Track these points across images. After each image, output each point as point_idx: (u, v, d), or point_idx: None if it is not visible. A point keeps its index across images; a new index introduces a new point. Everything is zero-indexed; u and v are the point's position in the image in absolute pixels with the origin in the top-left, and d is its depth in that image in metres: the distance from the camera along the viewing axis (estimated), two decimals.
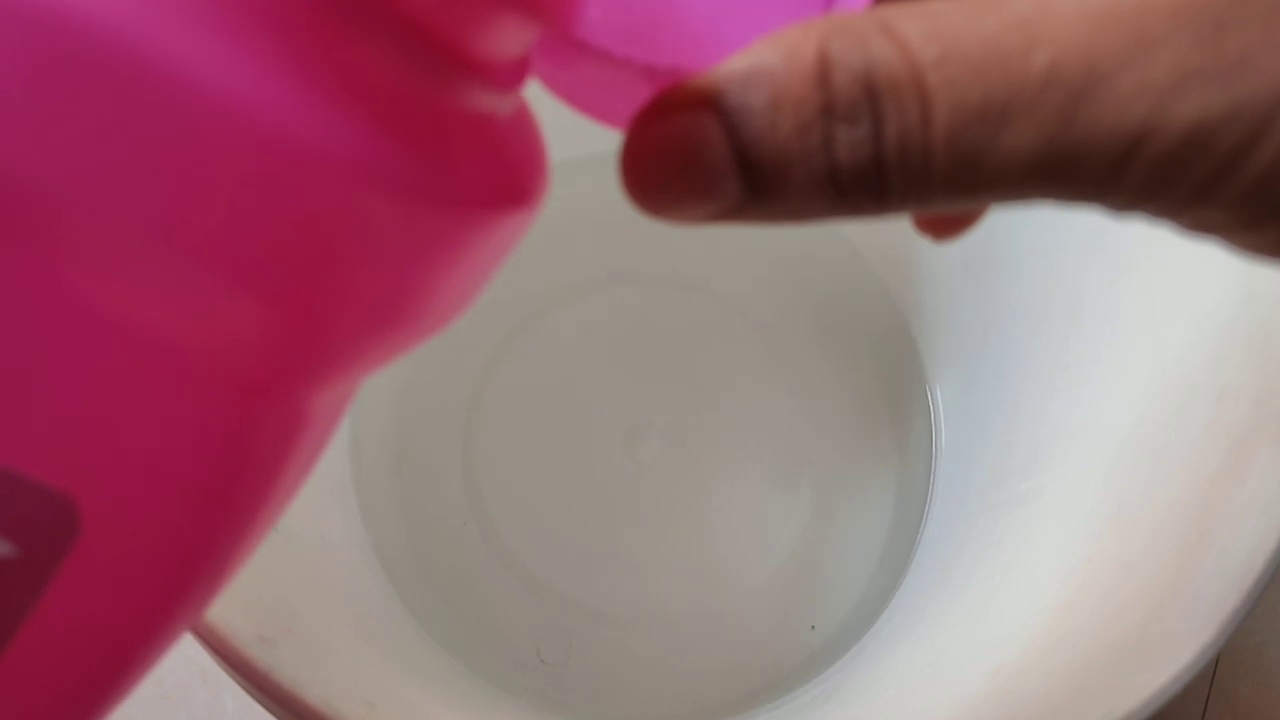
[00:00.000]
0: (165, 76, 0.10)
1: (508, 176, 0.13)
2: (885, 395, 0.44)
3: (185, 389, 0.12)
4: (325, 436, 0.14)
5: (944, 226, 0.19)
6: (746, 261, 0.46)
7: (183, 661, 0.41)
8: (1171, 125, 0.12)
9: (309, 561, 0.32)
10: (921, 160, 0.13)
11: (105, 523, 0.12)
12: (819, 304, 0.45)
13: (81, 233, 0.10)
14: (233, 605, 0.24)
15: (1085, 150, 0.12)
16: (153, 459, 0.12)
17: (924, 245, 0.44)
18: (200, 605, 0.14)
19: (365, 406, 0.42)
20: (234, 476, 0.13)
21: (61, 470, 0.11)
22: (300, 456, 0.13)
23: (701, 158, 0.13)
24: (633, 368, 0.44)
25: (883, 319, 0.45)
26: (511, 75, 0.14)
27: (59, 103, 0.10)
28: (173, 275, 0.11)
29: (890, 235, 0.45)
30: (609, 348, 0.44)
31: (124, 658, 0.13)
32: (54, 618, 0.12)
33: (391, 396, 0.42)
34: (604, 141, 0.49)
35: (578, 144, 0.46)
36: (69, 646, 0.13)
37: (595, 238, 0.45)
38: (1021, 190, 0.13)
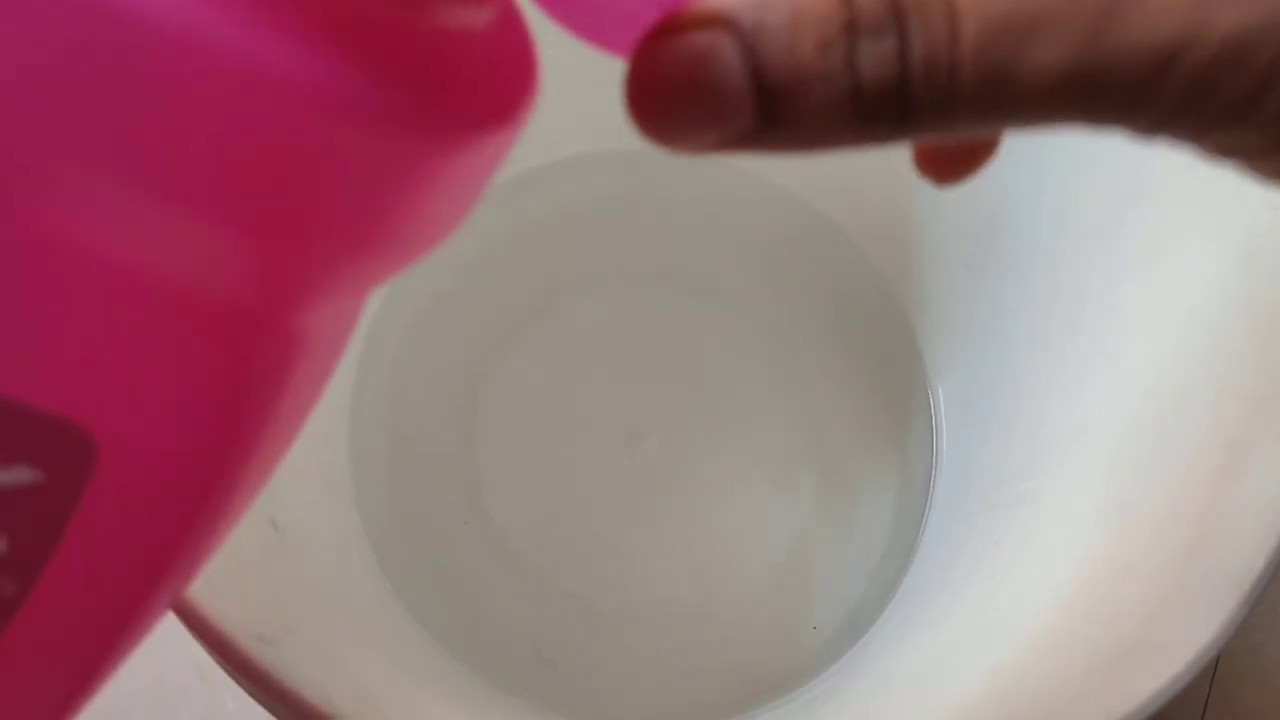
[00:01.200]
0: (119, 10, 0.10)
1: (487, 93, 0.13)
2: (886, 395, 0.44)
3: (175, 318, 0.12)
4: (330, 358, 0.15)
5: (949, 166, 0.17)
6: (746, 261, 0.46)
7: (181, 660, 0.41)
8: (1208, 37, 0.12)
9: (308, 561, 0.32)
10: (948, 78, 0.12)
11: (119, 451, 0.12)
12: (819, 303, 0.45)
13: (46, 169, 0.11)
14: (232, 604, 0.24)
15: (1116, 66, 0.12)
16: (155, 388, 0.12)
17: (926, 243, 0.44)
18: (219, 530, 0.14)
19: (365, 406, 0.42)
20: (236, 400, 0.13)
21: (69, 401, 0.12)
22: (302, 378, 0.14)
23: (713, 75, 0.12)
24: (633, 367, 0.44)
25: (883, 318, 0.45)
26: None
27: (15, 40, 0.10)
28: (140, 208, 0.11)
29: (892, 234, 0.45)
30: (609, 347, 0.44)
31: (150, 585, 0.14)
32: (82, 544, 0.12)
33: (392, 396, 0.42)
34: (605, 139, 0.49)
35: (579, 141, 0.46)
36: (99, 572, 0.13)
37: (595, 238, 0.45)
38: (1049, 110, 0.12)
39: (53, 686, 0.14)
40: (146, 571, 0.14)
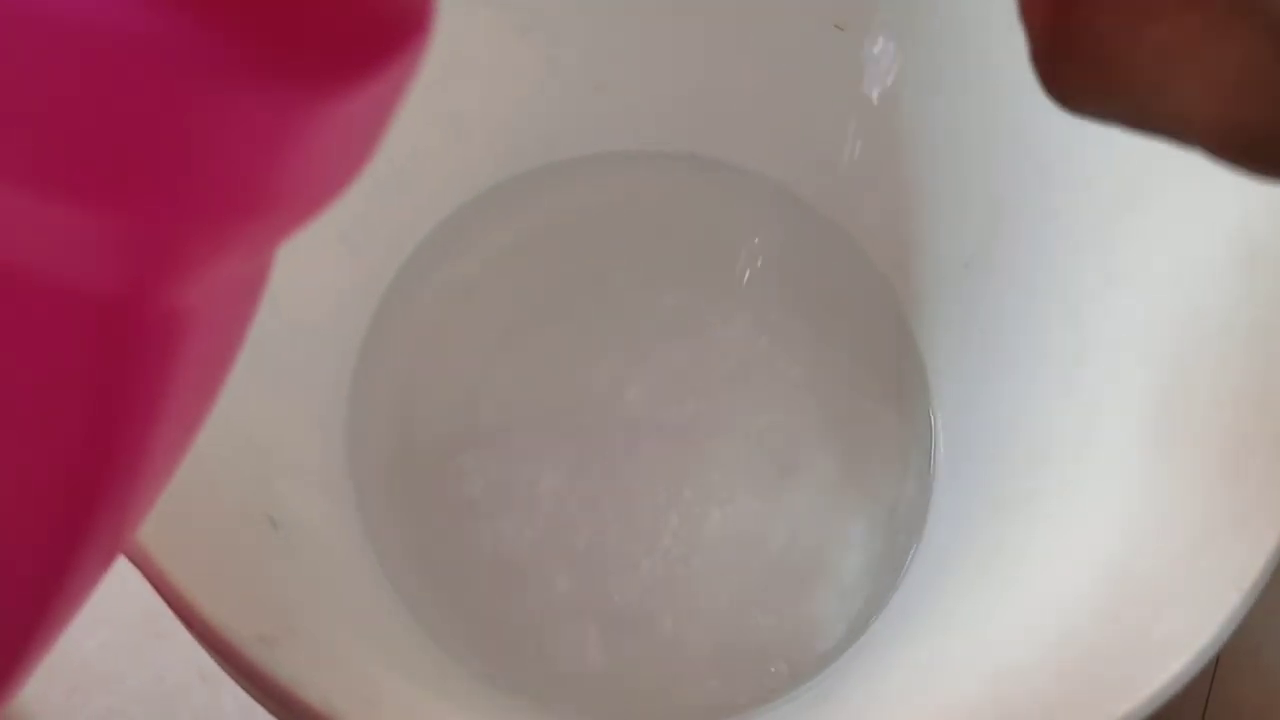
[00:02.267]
0: None
1: (367, 26, 0.11)
2: (885, 394, 0.44)
3: (23, 307, 0.11)
4: (234, 329, 0.14)
5: None
6: (745, 261, 0.46)
7: (181, 661, 0.41)
8: None
9: (308, 561, 0.32)
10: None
11: None
12: (818, 303, 0.45)
13: None
14: (232, 605, 0.24)
15: None
16: (13, 379, 0.12)
17: (926, 243, 0.44)
18: (123, 517, 0.13)
19: (365, 406, 0.42)
20: (112, 384, 0.12)
21: None
22: (195, 355, 0.13)
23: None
24: (632, 368, 0.44)
25: (883, 318, 0.45)
26: None
27: None
28: None
29: (892, 233, 0.45)
30: (609, 347, 0.44)
31: (54, 576, 0.13)
32: None
33: (391, 396, 0.42)
34: (605, 139, 0.49)
35: (579, 141, 0.46)
36: None
37: (595, 238, 0.45)
38: None
39: None
40: (45, 559, 0.13)
